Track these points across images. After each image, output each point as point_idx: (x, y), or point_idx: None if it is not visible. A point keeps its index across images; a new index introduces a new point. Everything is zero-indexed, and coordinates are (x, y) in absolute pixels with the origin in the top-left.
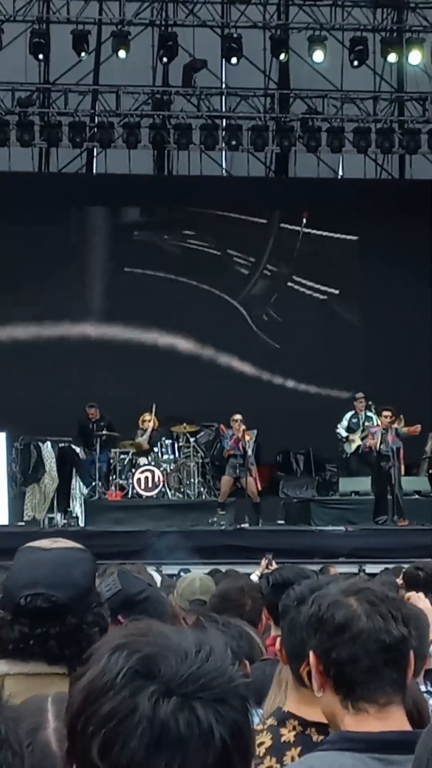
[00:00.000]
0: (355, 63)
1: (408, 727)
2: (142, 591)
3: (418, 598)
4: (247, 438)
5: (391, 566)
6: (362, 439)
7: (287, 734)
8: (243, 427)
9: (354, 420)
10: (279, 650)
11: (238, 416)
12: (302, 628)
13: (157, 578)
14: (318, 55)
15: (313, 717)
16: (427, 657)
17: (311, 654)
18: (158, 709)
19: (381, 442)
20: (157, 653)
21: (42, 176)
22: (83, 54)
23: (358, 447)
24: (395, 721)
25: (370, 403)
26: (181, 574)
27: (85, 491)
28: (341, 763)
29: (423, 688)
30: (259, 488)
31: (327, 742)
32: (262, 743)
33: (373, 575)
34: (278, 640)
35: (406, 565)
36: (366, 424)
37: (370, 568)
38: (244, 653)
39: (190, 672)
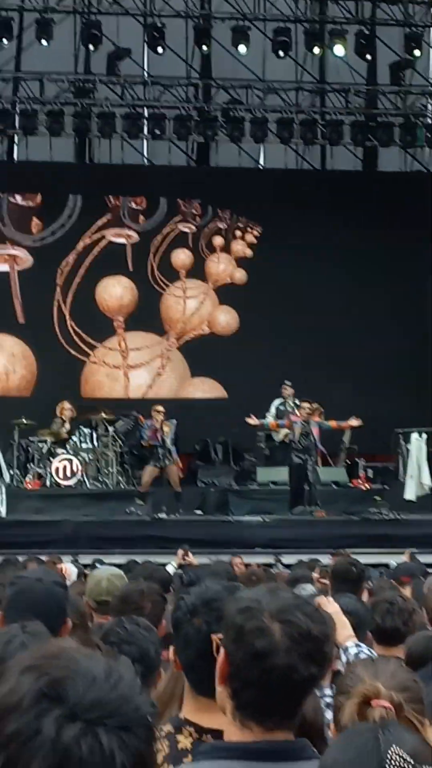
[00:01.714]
0: (280, 54)
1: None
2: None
3: (327, 603)
4: (165, 429)
5: (306, 558)
6: (279, 424)
7: (184, 741)
8: (161, 418)
9: (282, 407)
10: (173, 660)
11: (160, 407)
12: (199, 639)
13: (73, 570)
14: (241, 48)
15: (210, 724)
16: (332, 661)
17: (223, 651)
18: (62, 732)
19: (302, 434)
20: (65, 677)
21: None
22: (5, 41)
23: (286, 435)
24: (277, 737)
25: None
26: (96, 564)
27: (5, 480)
28: None
29: (329, 692)
30: (182, 477)
31: (200, 753)
32: (159, 751)
33: (289, 566)
34: (171, 649)
35: (321, 557)
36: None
37: (287, 559)
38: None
39: (97, 698)
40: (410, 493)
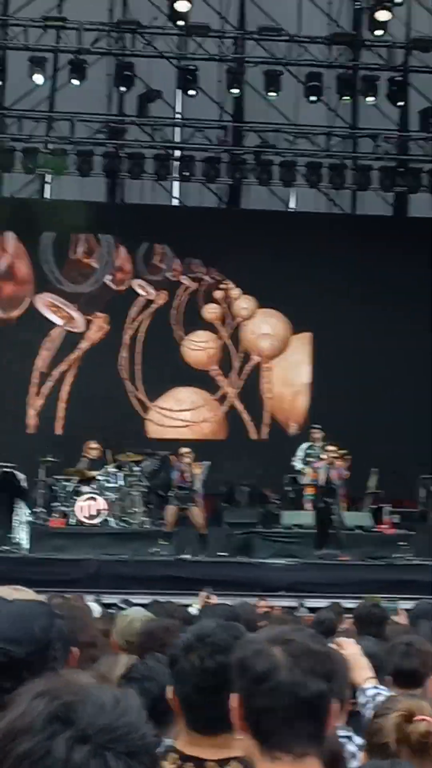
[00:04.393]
0: (312, 98)
1: None
2: None
3: (346, 644)
4: (196, 471)
5: (328, 602)
6: (312, 483)
7: (168, 767)
8: (187, 460)
9: (309, 451)
10: (172, 700)
11: (184, 449)
12: (194, 674)
13: (97, 609)
14: (272, 94)
15: (193, 753)
16: (346, 701)
17: (234, 697)
18: (72, 753)
19: (325, 477)
20: (76, 701)
21: None
22: (39, 80)
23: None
24: None
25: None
26: (122, 605)
27: (30, 517)
28: None
29: (344, 732)
30: (206, 518)
31: None
32: None
33: (313, 610)
34: (170, 689)
35: (345, 602)
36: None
37: (310, 603)
38: None
39: (106, 723)
40: None
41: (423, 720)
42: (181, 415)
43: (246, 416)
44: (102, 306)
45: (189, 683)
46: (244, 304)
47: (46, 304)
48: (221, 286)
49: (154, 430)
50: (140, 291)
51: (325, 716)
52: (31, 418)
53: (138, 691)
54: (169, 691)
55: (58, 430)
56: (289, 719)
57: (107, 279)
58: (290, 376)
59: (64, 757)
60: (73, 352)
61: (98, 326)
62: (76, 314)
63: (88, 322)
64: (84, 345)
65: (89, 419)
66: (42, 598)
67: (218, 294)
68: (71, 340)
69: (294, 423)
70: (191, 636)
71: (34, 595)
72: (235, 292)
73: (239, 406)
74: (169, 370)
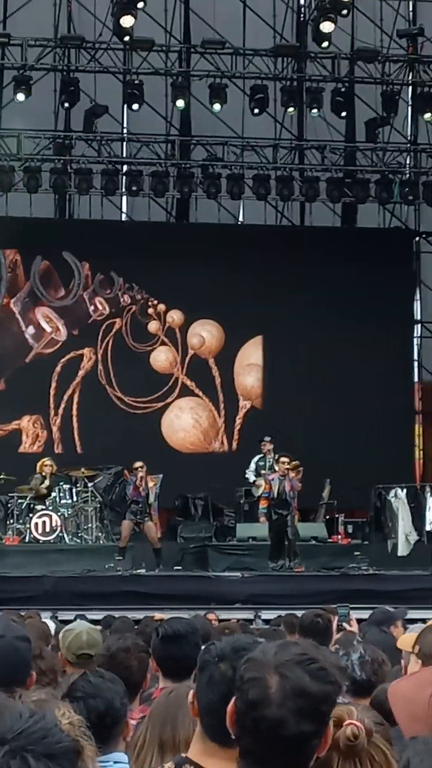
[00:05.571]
0: (256, 111)
1: None
2: None
3: None
4: (150, 484)
5: (284, 614)
6: (264, 495)
7: None
8: (141, 474)
9: (261, 463)
10: (191, 702)
11: (138, 463)
12: (223, 683)
13: (52, 625)
14: (216, 106)
15: (210, 765)
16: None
17: (234, 697)
18: None
19: (278, 489)
20: None
21: None
22: None
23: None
24: None
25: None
26: (78, 620)
27: None
28: None
29: None
30: (160, 534)
31: None
32: None
33: (268, 621)
34: (191, 692)
35: (299, 612)
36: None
37: (266, 614)
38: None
39: (23, 728)
40: (403, 550)
41: (350, 724)
42: (186, 426)
43: (206, 401)
44: (80, 323)
45: (216, 691)
46: (174, 315)
47: (44, 314)
48: (150, 303)
49: (173, 443)
50: (101, 308)
51: (305, 756)
52: (56, 439)
53: (84, 708)
54: (191, 695)
55: (79, 449)
56: (266, 749)
57: (81, 295)
58: (242, 365)
59: None
60: (75, 378)
61: (88, 357)
62: (62, 327)
63: (75, 341)
64: (81, 373)
65: (103, 439)
66: None
67: (150, 310)
68: (71, 369)
69: (247, 401)
70: (226, 646)
71: None
72: (162, 306)
73: (199, 392)
74: (144, 381)
